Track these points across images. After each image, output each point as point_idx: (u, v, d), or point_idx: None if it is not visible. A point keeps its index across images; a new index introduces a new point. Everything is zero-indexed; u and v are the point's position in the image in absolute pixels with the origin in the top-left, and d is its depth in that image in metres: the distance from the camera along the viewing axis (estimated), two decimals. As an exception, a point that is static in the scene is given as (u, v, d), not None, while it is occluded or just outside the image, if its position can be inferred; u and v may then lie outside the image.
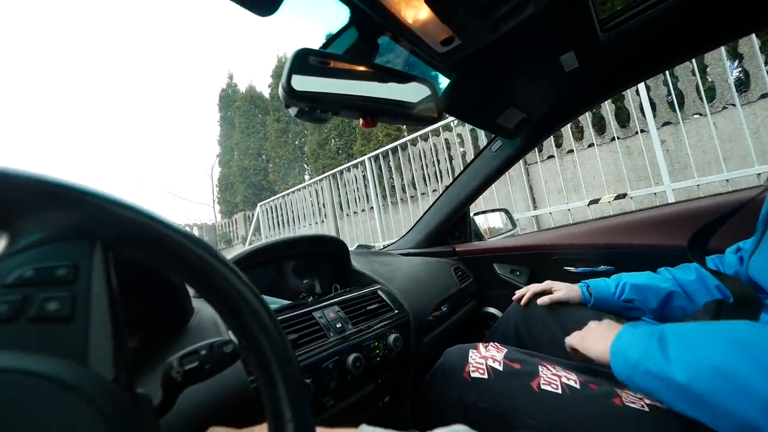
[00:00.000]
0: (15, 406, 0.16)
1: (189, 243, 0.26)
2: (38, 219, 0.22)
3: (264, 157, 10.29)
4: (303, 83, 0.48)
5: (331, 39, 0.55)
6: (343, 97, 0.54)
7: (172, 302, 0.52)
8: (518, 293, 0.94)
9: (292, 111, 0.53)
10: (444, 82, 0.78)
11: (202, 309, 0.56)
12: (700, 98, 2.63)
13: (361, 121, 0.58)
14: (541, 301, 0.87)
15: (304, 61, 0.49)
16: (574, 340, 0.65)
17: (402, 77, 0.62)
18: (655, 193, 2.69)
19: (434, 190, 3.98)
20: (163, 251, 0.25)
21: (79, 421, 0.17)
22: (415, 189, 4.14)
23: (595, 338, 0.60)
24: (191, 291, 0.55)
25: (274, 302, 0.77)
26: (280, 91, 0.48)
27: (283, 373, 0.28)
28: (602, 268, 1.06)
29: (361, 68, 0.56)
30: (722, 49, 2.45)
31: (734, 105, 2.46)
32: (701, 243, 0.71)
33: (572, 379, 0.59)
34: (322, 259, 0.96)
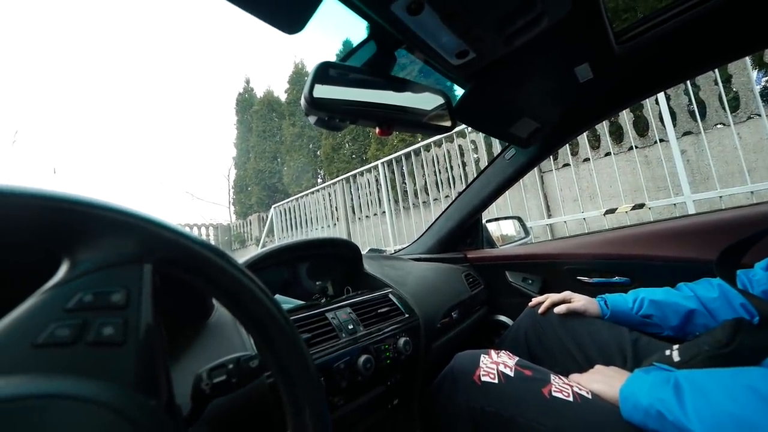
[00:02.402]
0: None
1: (240, 275, 0.28)
2: (98, 245, 0.23)
3: (279, 160, 10.48)
4: (324, 94, 0.51)
5: (351, 52, 0.57)
6: (361, 107, 0.56)
7: (194, 298, 0.55)
8: (535, 300, 0.94)
9: (311, 119, 0.56)
10: (458, 91, 0.80)
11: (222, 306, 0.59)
12: (723, 108, 2.56)
13: (377, 129, 0.61)
14: (558, 309, 0.86)
15: (325, 73, 0.52)
16: (578, 378, 0.64)
17: (417, 87, 0.64)
18: (674, 204, 2.62)
19: (447, 196, 3.97)
20: (212, 279, 0.27)
21: None
22: (428, 194, 4.15)
23: (601, 381, 0.61)
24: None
25: (288, 302, 0.79)
26: (302, 100, 0.51)
27: (311, 400, 0.30)
28: (617, 279, 1.04)
29: (379, 79, 0.58)
30: (747, 58, 2.39)
31: (760, 115, 2.38)
32: (734, 259, 0.66)
33: (584, 389, 0.59)
34: (334, 261, 0.98)
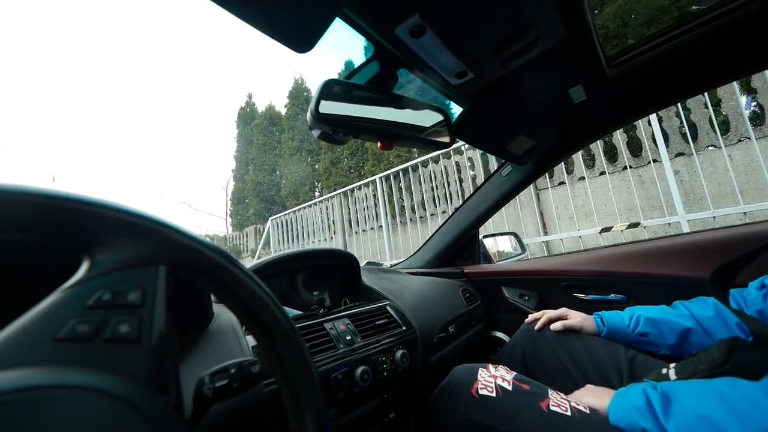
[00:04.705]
0: (89, 422, 0.18)
1: (247, 279, 0.29)
2: (117, 246, 0.24)
3: (278, 173, 10.56)
4: (329, 109, 0.53)
5: (355, 70, 0.60)
6: (363, 122, 0.58)
7: (195, 306, 0.55)
8: (531, 317, 0.94)
9: (315, 133, 0.58)
10: (456, 109, 0.83)
11: (222, 314, 0.59)
12: (714, 131, 2.64)
13: (378, 144, 0.63)
14: (555, 326, 0.86)
15: (331, 90, 0.54)
16: (571, 395, 0.67)
17: (418, 105, 0.67)
18: (669, 224, 2.66)
19: (443, 212, 4.00)
20: (222, 283, 0.28)
21: None
22: (425, 210, 4.17)
23: (592, 395, 0.65)
24: (213, 296, 0.58)
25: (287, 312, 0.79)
26: (308, 115, 0.53)
27: (312, 405, 0.30)
28: (613, 296, 1.05)
29: (381, 96, 0.61)
30: (735, 84, 2.48)
31: (749, 138, 2.45)
32: (726, 279, 0.68)
33: (582, 404, 0.59)
34: (332, 272, 0.99)
